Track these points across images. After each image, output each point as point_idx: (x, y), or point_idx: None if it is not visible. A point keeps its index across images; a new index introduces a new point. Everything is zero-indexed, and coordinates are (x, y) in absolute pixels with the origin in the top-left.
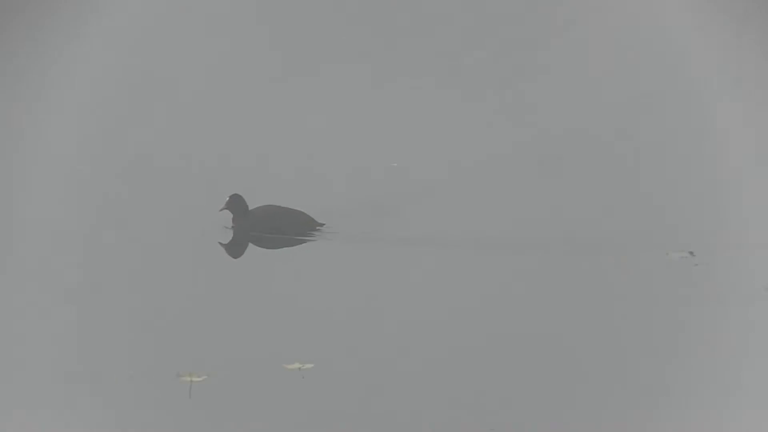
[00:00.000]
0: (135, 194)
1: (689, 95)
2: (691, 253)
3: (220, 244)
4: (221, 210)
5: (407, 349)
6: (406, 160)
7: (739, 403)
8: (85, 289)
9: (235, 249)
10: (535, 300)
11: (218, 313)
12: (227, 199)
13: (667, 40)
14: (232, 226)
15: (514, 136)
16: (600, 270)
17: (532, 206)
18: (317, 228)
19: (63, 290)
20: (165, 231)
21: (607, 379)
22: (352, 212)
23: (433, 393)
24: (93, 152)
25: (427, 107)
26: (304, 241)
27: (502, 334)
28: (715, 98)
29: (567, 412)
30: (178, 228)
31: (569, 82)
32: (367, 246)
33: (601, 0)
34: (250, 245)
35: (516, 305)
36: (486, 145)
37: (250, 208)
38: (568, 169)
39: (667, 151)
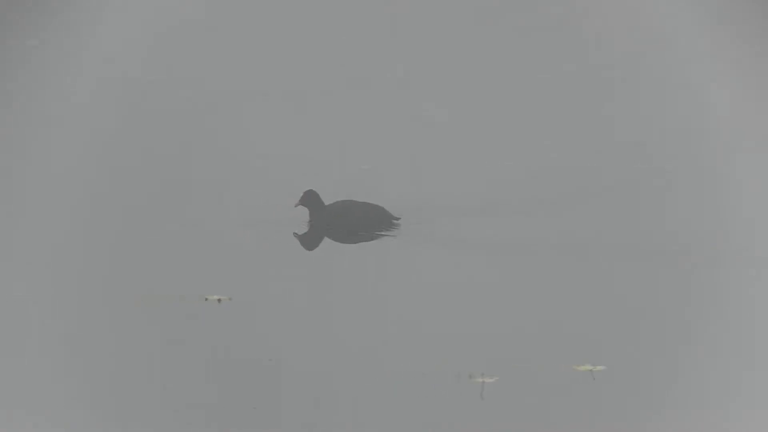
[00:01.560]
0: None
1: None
2: None
3: (295, 235)
4: (296, 206)
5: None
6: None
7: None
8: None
9: (309, 241)
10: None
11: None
12: (302, 195)
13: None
14: (310, 221)
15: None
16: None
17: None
18: (393, 222)
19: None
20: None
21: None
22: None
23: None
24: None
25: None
26: (380, 237)
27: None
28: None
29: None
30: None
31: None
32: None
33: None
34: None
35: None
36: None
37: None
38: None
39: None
